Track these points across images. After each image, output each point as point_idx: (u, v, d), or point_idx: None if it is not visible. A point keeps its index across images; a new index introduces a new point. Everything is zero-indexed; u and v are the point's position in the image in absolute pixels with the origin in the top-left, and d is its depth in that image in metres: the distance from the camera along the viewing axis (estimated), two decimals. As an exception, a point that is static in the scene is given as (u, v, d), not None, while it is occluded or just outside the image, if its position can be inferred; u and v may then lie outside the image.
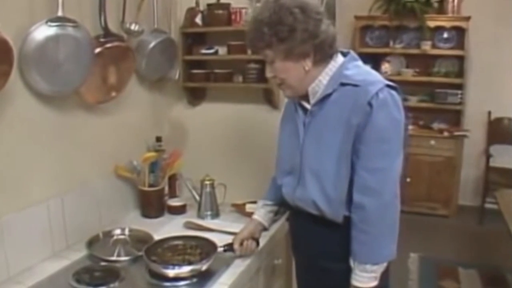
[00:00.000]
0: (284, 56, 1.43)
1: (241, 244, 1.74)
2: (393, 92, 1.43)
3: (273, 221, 1.85)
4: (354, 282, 1.46)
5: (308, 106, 1.53)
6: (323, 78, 1.48)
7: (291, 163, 1.60)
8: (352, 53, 1.54)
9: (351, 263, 1.47)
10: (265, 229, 1.83)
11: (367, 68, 1.53)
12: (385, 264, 1.47)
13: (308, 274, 1.69)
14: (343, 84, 1.45)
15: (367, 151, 1.41)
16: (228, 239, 1.78)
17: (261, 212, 1.81)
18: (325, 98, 1.47)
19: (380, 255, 1.45)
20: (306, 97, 1.53)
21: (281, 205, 1.80)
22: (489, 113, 4.97)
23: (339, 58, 1.51)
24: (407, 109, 1.50)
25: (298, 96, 1.54)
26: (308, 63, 1.45)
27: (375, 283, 1.45)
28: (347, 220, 1.48)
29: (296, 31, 1.39)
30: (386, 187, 1.42)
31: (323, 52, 1.45)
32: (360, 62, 1.54)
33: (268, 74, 1.52)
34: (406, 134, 1.48)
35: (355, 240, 1.45)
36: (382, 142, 1.41)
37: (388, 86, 1.43)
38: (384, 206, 1.42)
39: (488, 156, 4.80)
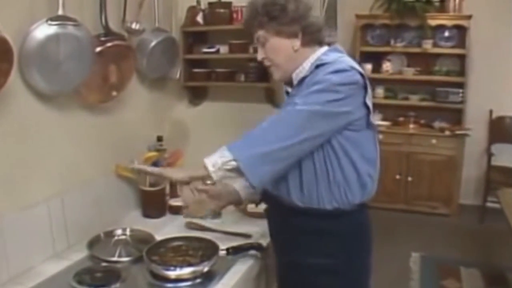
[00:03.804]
0: (275, 33, 1.50)
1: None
2: (359, 77, 1.45)
3: (251, 196, 1.78)
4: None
5: (290, 90, 1.61)
6: (306, 65, 1.54)
7: None
8: (337, 45, 1.60)
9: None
10: (240, 203, 1.78)
11: (349, 58, 1.54)
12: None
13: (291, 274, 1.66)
14: (317, 67, 1.50)
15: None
16: (229, 239, 1.77)
17: (240, 184, 1.74)
18: (301, 81, 1.53)
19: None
20: (291, 83, 1.59)
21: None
22: (491, 111, 4.96)
23: (324, 49, 1.57)
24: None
25: (286, 79, 1.59)
26: (296, 43, 1.51)
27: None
28: (329, 212, 1.52)
29: (286, 10, 1.48)
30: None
31: (310, 36, 1.53)
32: (343, 54, 1.56)
33: (259, 56, 1.57)
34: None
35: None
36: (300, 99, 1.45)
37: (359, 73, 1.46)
38: None
39: (490, 155, 4.79)
